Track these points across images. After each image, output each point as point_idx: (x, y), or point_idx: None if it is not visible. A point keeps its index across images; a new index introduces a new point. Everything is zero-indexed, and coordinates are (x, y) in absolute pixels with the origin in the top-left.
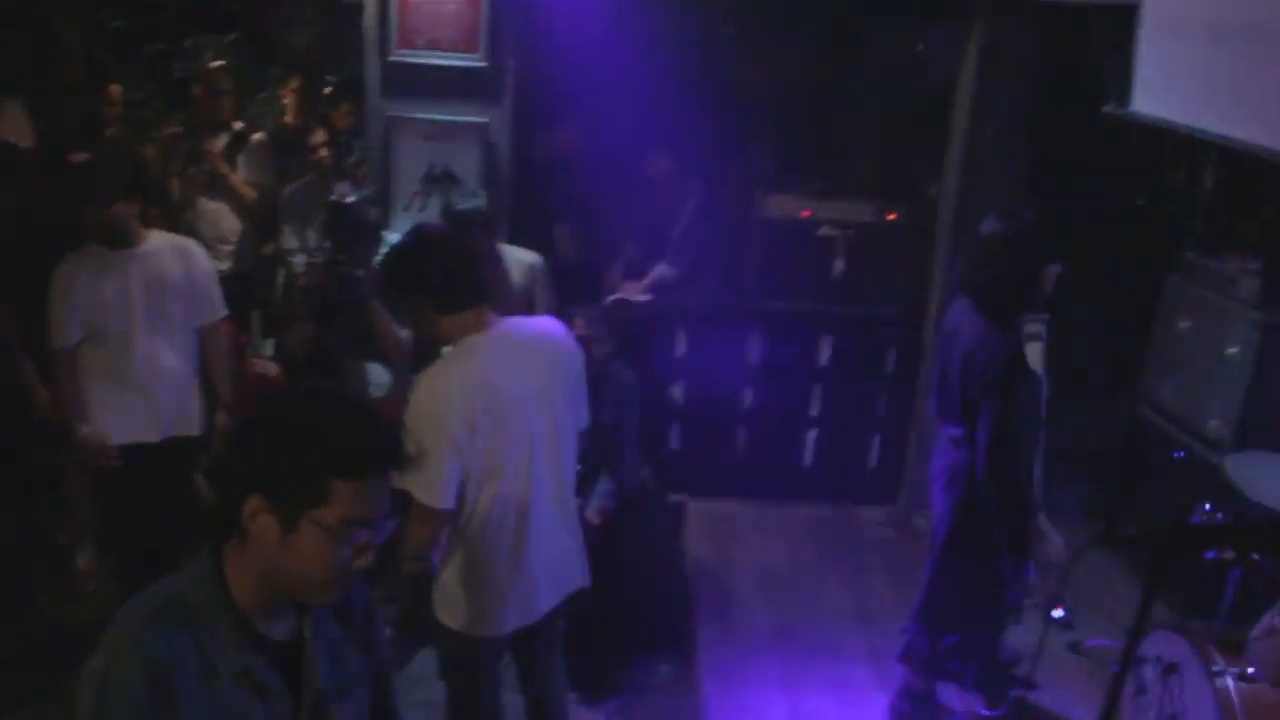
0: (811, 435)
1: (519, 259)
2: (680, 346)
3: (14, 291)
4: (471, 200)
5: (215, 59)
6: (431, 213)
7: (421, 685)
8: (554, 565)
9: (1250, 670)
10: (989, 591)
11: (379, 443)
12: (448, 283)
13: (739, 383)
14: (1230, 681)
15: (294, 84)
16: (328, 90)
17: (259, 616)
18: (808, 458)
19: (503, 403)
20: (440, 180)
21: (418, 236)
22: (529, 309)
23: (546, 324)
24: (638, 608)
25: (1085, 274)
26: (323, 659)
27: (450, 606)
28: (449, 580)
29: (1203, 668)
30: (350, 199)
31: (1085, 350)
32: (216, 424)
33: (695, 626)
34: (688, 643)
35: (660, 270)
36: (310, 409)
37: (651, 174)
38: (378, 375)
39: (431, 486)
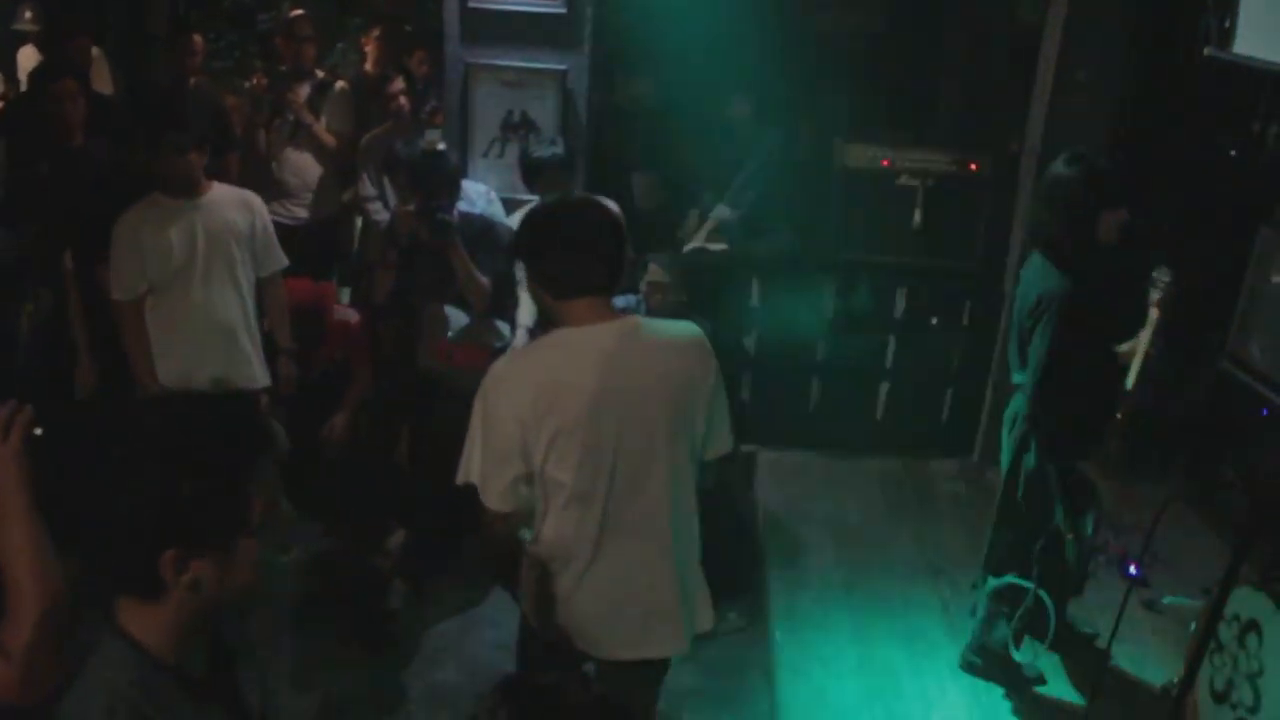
0: (884, 387)
1: None
2: (754, 296)
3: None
4: (549, 148)
5: (295, 9)
6: (509, 160)
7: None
8: (631, 612)
9: None
10: (1044, 539)
11: (261, 437)
12: (558, 266)
13: (813, 334)
14: None
15: (376, 33)
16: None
17: (181, 660)
18: (880, 410)
19: (577, 407)
20: (518, 127)
21: (547, 209)
22: None
23: (678, 330)
24: (708, 555)
25: (1173, 227)
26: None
27: (524, 597)
28: (524, 574)
29: None
30: (440, 146)
31: (1174, 305)
32: (281, 372)
33: (766, 575)
34: (758, 591)
35: (719, 211)
36: (177, 444)
37: (729, 121)
38: (458, 319)
39: (479, 481)
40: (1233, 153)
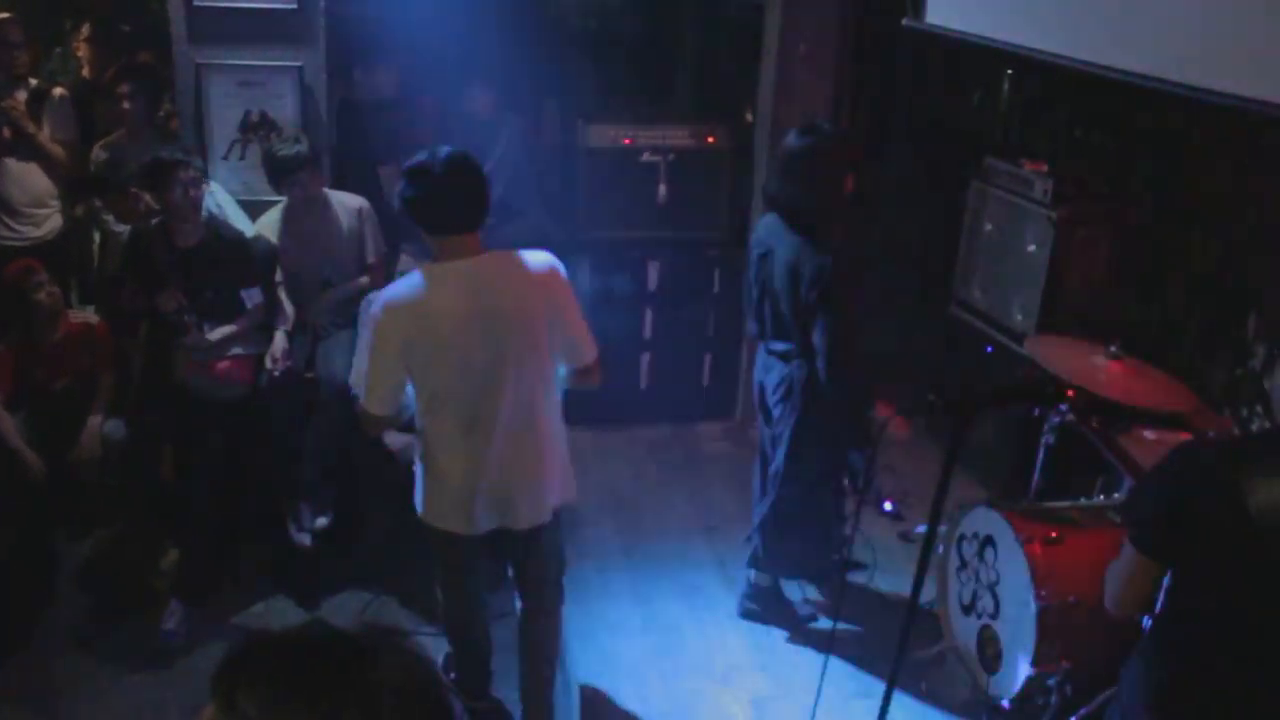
0: (646, 359)
1: (345, 203)
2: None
3: None
4: (293, 145)
5: (2, 12)
6: (252, 160)
7: None
8: (520, 485)
9: (1054, 535)
10: (830, 491)
11: None
12: (434, 209)
13: None
14: (1038, 546)
15: (84, 33)
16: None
17: None
18: (644, 380)
19: (448, 327)
20: (259, 126)
21: (420, 166)
22: (359, 252)
23: (534, 259)
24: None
25: (897, 189)
26: None
27: (421, 500)
28: (419, 477)
29: (1013, 535)
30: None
31: (905, 258)
32: None
33: None
34: None
35: None
36: None
37: (468, 110)
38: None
39: (365, 388)
40: (936, 115)
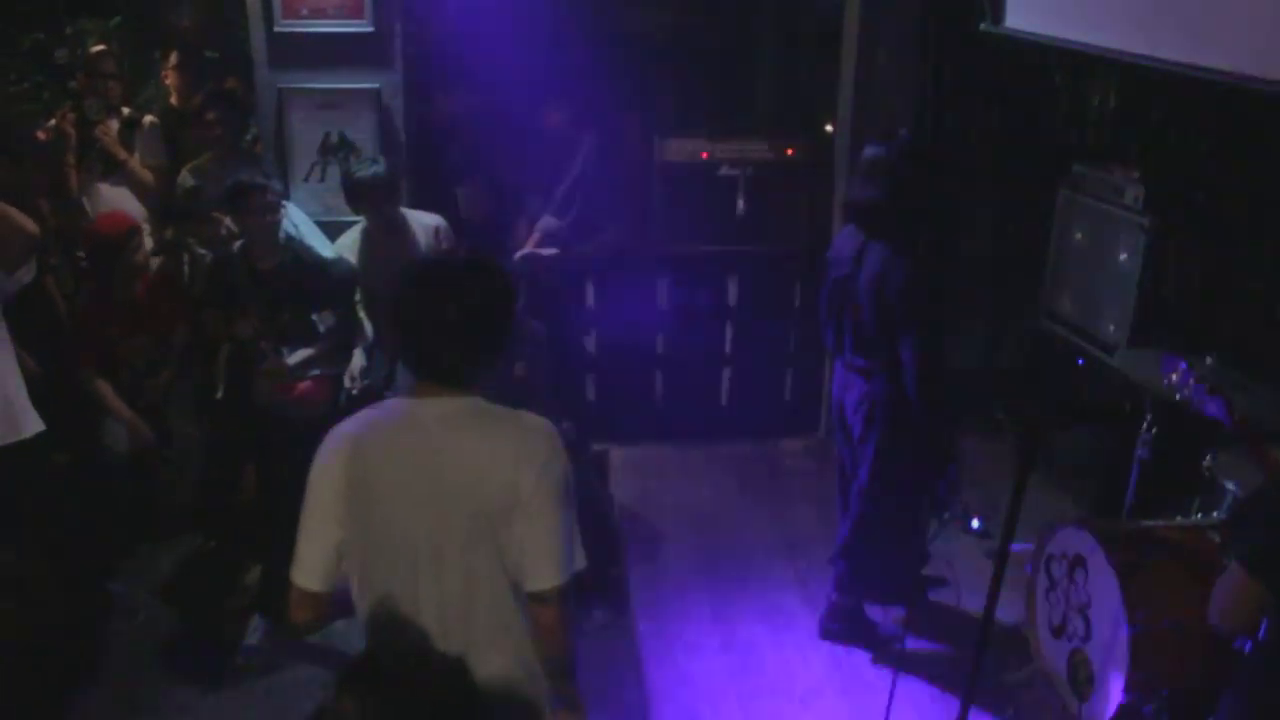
0: (727, 374)
1: (423, 222)
2: (590, 297)
3: None
4: (371, 166)
5: (97, 44)
6: (331, 182)
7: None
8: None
9: (1149, 555)
10: (914, 512)
11: None
12: (400, 342)
13: (651, 329)
14: (1131, 568)
15: (172, 61)
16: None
17: None
18: (725, 396)
19: (381, 484)
20: (337, 149)
21: (406, 279)
22: None
23: (518, 425)
24: None
25: (982, 195)
26: None
27: None
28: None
29: (1104, 556)
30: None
31: (989, 268)
32: None
33: (627, 570)
34: (620, 587)
35: (545, 223)
36: None
37: (546, 127)
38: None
39: (296, 558)
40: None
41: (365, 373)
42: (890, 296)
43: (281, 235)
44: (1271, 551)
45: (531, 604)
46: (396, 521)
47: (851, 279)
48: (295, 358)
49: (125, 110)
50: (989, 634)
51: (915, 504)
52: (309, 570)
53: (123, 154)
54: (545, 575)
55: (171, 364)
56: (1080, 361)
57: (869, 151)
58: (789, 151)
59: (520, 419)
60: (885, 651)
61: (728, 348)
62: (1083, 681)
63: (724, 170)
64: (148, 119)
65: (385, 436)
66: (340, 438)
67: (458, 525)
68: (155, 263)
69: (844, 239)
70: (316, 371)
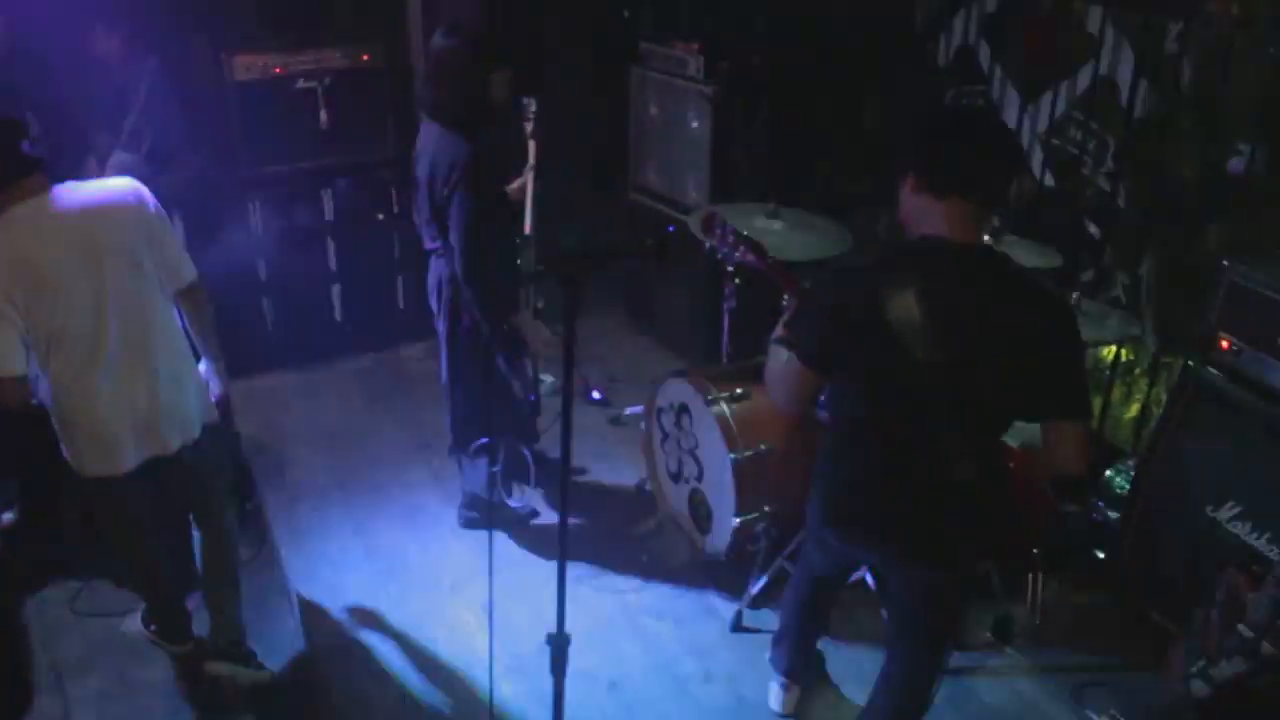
0: (337, 290)
1: None
2: (180, 231)
3: None
4: None
5: None
6: None
7: None
8: (157, 409)
9: (739, 390)
10: (498, 389)
11: None
12: None
13: (250, 255)
14: (725, 406)
15: None
16: None
17: None
18: (339, 313)
19: (41, 274)
20: None
21: None
22: None
23: (101, 190)
24: None
25: (567, 89)
26: None
27: (67, 452)
28: (59, 431)
29: (702, 400)
30: None
31: (580, 151)
32: None
33: (262, 500)
34: (259, 520)
35: (117, 159)
36: None
37: (100, 56)
38: None
39: None
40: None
41: None
42: (440, 176)
43: None
44: (817, 338)
45: (187, 302)
46: (72, 290)
47: (421, 164)
48: None
49: None
50: (567, 480)
51: (495, 382)
52: (3, 358)
53: None
54: (188, 269)
55: None
56: (671, 229)
57: (433, 43)
58: (365, 58)
59: (113, 183)
60: (522, 529)
61: (333, 264)
62: (704, 517)
63: (301, 84)
64: None
65: (28, 238)
66: None
67: (115, 267)
68: None
69: (423, 135)
70: None
